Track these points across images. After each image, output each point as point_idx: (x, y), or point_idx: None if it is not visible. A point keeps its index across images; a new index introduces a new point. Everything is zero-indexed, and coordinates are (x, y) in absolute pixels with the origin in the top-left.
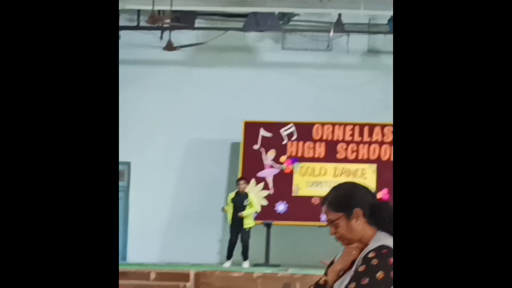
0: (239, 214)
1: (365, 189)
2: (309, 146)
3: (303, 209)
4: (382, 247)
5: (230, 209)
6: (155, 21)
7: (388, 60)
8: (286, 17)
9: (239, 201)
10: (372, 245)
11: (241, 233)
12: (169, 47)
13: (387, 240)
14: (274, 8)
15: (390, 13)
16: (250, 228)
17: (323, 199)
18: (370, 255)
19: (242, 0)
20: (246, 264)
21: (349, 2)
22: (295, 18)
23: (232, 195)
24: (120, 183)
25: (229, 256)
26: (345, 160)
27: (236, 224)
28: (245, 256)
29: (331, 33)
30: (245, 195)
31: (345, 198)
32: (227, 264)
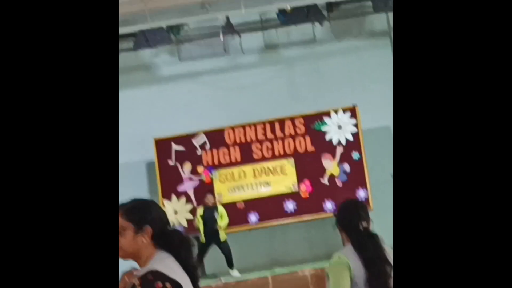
0: (215, 226)
1: (162, 211)
2: (223, 152)
3: (229, 215)
4: (149, 273)
5: (200, 226)
6: None
7: (287, 53)
8: (175, 29)
9: (209, 215)
10: (146, 268)
11: (220, 247)
12: None
13: (163, 262)
14: (159, 22)
15: (273, 7)
16: (226, 240)
17: (121, 205)
18: (136, 282)
19: (124, 20)
20: (236, 273)
21: (229, 3)
22: (185, 28)
23: (200, 211)
24: None
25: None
26: (263, 159)
27: (208, 240)
28: (231, 264)
29: (221, 36)
30: (214, 208)
31: (139, 211)
32: None
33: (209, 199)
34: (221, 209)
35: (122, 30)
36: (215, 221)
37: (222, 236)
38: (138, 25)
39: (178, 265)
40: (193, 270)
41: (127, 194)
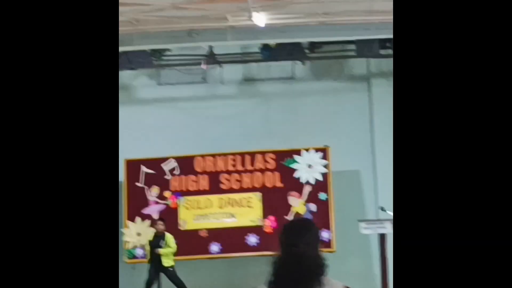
0: (156, 250)
1: None
2: (192, 179)
3: (191, 243)
4: None
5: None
6: None
7: (264, 88)
8: (158, 53)
9: (156, 242)
10: None
11: (166, 274)
12: None
13: None
14: (144, 46)
15: (258, 41)
16: (172, 266)
17: None
18: None
19: None
20: None
21: (217, 34)
22: (167, 53)
23: (150, 237)
24: None
25: None
26: (230, 190)
27: (155, 265)
28: None
29: (203, 65)
30: (162, 236)
31: None
32: None
33: (159, 226)
34: (167, 236)
35: None
36: (158, 246)
37: (166, 262)
38: (122, 46)
39: None
40: None
41: None
